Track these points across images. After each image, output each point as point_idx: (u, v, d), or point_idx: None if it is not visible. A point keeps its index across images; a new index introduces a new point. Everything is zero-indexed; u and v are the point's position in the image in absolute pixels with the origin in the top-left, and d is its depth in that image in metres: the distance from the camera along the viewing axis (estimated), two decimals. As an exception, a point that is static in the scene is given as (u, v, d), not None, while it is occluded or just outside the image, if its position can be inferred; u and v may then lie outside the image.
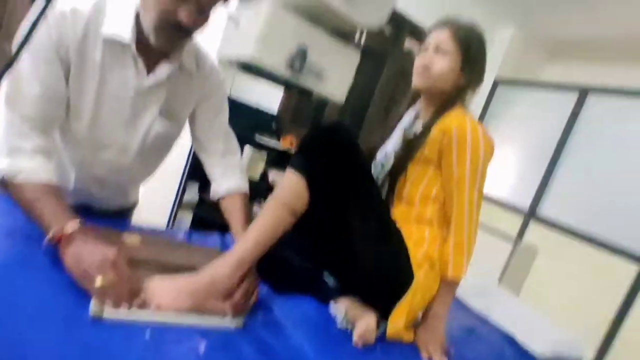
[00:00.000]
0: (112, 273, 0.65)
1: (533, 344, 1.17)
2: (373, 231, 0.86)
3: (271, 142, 2.62)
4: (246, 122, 2.59)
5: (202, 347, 0.66)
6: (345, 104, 2.98)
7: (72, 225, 0.69)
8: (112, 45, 0.83)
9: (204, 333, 0.69)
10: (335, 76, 0.63)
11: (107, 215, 1.07)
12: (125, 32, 0.82)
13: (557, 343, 1.21)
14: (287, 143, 2.71)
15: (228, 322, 0.74)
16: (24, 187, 0.73)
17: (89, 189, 0.99)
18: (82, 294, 0.64)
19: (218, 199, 1.07)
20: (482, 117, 3.47)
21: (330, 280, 1.00)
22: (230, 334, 0.72)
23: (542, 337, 1.20)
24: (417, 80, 1.04)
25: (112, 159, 0.94)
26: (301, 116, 3.04)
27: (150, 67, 0.88)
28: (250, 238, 0.78)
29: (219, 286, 0.75)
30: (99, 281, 0.63)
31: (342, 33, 0.69)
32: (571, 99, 2.99)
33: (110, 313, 0.63)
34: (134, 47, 0.83)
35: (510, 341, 1.20)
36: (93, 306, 0.62)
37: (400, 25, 3.05)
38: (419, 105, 1.12)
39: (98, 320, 0.61)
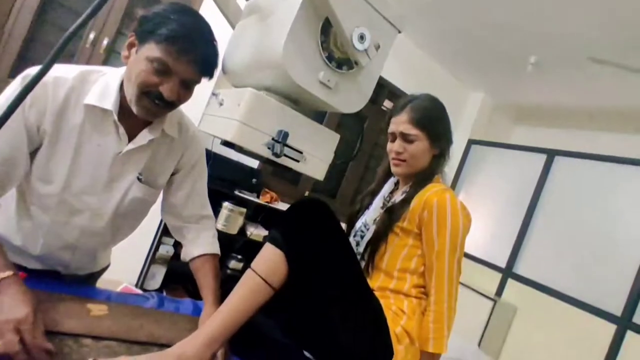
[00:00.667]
0: (11, 337, 0.61)
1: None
2: (352, 307, 0.84)
3: (251, 197, 2.61)
4: (226, 176, 2.59)
5: None
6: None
7: None
8: (93, 111, 0.84)
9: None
10: (315, 156, 0.65)
11: (76, 280, 1.02)
12: (108, 100, 0.83)
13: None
14: (266, 198, 2.70)
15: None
16: None
17: (58, 255, 0.95)
18: None
19: (189, 260, 1.04)
20: (457, 176, 3.59)
21: (308, 354, 0.97)
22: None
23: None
24: (396, 170, 1.09)
25: (85, 224, 0.91)
26: (281, 172, 3.08)
27: (132, 134, 0.88)
28: (222, 314, 0.76)
29: (188, 366, 0.71)
30: None
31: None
32: (540, 160, 3.16)
33: None
34: (115, 114, 0.84)
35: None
36: None
37: (380, 89, 3.23)
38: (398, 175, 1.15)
39: None
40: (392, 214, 1.03)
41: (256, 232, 2.60)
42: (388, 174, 1.17)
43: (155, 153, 0.94)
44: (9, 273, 0.68)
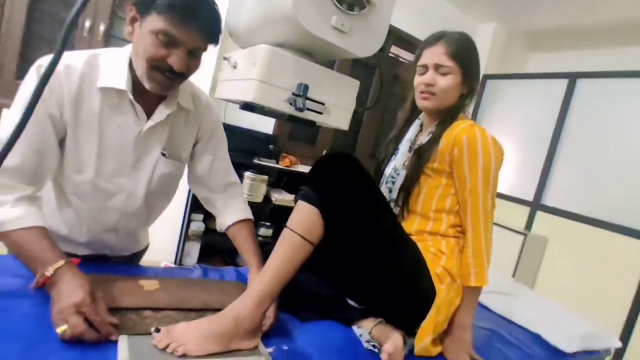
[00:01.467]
0: (76, 320, 0.64)
1: (561, 342, 1.16)
2: (391, 252, 0.85)
3: (270, 163, 2.63)
4: (243, 147, 2.60)
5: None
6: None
7: (52, 267, 0.70)
8: (109, 94, 0.84)
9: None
10: (337, 106, 0.64)
11: (122, 262, 1.07)
12: (120, 80, 0.83)
13: (584, 337, 1.20)
14: (285, 162, 2.71)
15: (257, 359, 0.73)
16: (10, 237, 0.74)
17: (103, 239, 0.99)
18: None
19: (225, 230, 1.07)
20: (474, 115, 3.50)
21: (352, 302, 1.00)
22: (260, 371, 0.72)
23: (568, 333, 1.19)
24: (424, 104, 1.05)
25: (121, 206, 0.94)
26: (298, 134, 3.07)
27: (149, 111, 0.88)
28: (268, 273, 0.78)
29: (243, 326, 0.75)
30: (60, 329, 0.63)
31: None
32: (561, 86, 3.02)
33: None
34: (130, 93, 0.84)
35: (538, 340, 1.19)
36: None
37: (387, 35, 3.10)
38: (422, 116, 1.13)
39: None
40: (421, 156, 1.01)
41: (280, 197, 2.63)
42: (410, 117, 1.15)
43: (174, 127, 0.94)
44: (62, 262, 0.71)
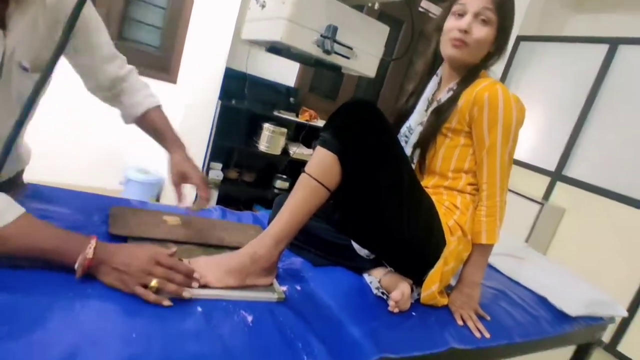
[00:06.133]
0: (160, 269, 0.66)
1: (566, 305, 1.18)
2: (404, 200, 0.86)
3: (290, 117, 2.62)
4: (264, 98, 2.59)
5: (250, 317, 0.70)
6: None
7: (90, 249, 0.63)
8: None
9: (250, 305, 0.74)
10: (365, 52, 0.62)
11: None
12: None
13: (590, 303, 1.21)
14: (305, 117, 2.70)
15: (271, 295, 0.78)
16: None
17: None
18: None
19: (135, 120, 0.99)
20: (503, 77, 3.36)
21: (363, 251, 1.03)
22: (274, 305, 0.76)
23: (575, 298, 1.21)
24: (453, 52, 0.97)
25: None
26: (319, 88, 3.02)
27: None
28: (285, 216, 0.81)
29: (260, 264, 0.79)
30: (152, 283, 0.64)
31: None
32: (600, 52, 2.85)
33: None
34: None
35: (543, 303, 1.22)
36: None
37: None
38: (441, 71, 1.08)
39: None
40: (439, 115, 0.99)
41: (299, 151, 2.65)
42: (431, 69, 1.09)
43: (30, 35, 0.76)
44: (93, 240, 0.65)
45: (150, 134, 1.01)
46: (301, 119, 2.68)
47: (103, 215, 0.89)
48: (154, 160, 2.48)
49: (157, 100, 1.01)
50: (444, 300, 0.97)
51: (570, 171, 2.96)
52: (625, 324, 2.54)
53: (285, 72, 2.76)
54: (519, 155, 3.19)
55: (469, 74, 1.00)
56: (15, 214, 0.60)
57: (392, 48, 3.10)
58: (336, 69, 0.64)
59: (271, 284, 0.81)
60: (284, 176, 2.78)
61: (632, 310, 2.51)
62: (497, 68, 1.07)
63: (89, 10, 0.86)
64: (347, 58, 0.61)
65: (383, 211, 0.86)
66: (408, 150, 1.04)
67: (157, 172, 2.48)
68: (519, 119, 0.94)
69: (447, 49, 0.99)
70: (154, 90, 1.03)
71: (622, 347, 2.55)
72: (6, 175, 0.88)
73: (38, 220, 0.64)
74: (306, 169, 0.83)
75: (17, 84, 0.77)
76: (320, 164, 0.82)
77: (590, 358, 1.37)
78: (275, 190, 2.73)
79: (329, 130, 0.82)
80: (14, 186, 0.92)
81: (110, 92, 0.96)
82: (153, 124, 0.99)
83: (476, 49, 0.97)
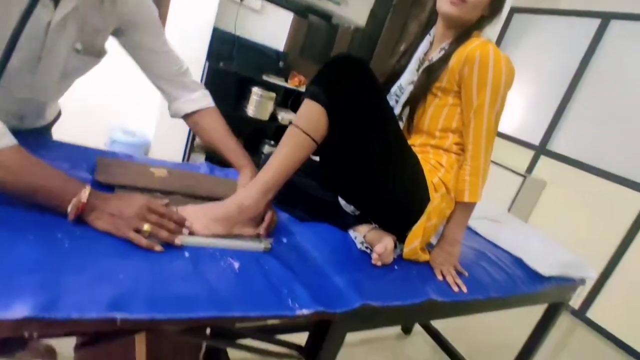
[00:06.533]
0: (155, 217, 0.68)
1: (540, 266, 1.24)
2: (390, 157, 0.88)
3: (279, 81, 2.58)
4: (252, 61, 2.53)
5: (236, 264, 0.72)
6: (355, 33, 2.83)
7: (85, 193, 0.64)
8: None
9: (237, 254, 0.75)
10: (356, -2, 0.61)
11: (33, 133, 0.97)
12: None
13: (563, 264, 1.27)
14: (295, 82, 2.66)
15: (257, 245, 0.79)
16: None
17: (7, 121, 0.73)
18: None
19: (186, 116, 1.00)
20: (495, 50, 3.35)
21: (349, 208, 1.05)
22: (260, 255, 0.78)
23: (549, 260, 1.26)
24: (450, 9, 0.96)
25: (27, 98, 0.86)
26: (309, 52, 2.95)
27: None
28: (272, 168, 0.81)
29: (247, 213, 0.80)
30: (145, 227, 0.65)
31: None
32: (591, 26, 2.85)
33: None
34: None
35: (519, 263, 1.27)
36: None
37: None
38: (434, 31, 1.08)
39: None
40: (430, 74, 0.99)
41: (287, 116, 2.63)
42: (425, 29, 1.09)
43: (85, 19, 0.81)
44: (88, 186, 0.65)
45: (203, 135, 1.01)
46: (290, 85, 2.64)
47: (89, 165, 0.88)
48: (139, 121, 2.43)
49: (212, 102, 1.02)
50: (425, 257, 1.01)
51: (554, 146, 3.02)
52: (595, 291, 2.68)
53: (275, 35, 2.69)
54: (504, 128, 3.23)
55: (462, 33, 1.00)
56: (8, 143, 0.59)
57: (387, 6, 3.01)
58: (327, 17, 0.63)
59: (258, 234, 0.82)
60: (272, 142, 2.77)
61: (602, 279, 2.64)
62: (491, 35, 1.06)
63: (151, 9, 0.91)
64: (337, 4, 0.60)
65: (369, 167, 0.87)
66: (397, 109, 1.05)
67: (142, 133, 2.44)
68: (508, 80, 0.95)
69: (444, 6, 0.98)
70: None
71: (590, 314, 2.69)
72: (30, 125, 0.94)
73: (32, 156, 0.62)
74: (294, 121, 0.83)
75: (64, 59, 0.82)
76: (309, 116, 0.82)
77: (559, 319, 1.45)
78: (263, 156, 2.72)
79: (318, 83, 0.82)
80: (40, 137, 0.98)
81: (171, 84, 0.98)
82: (211, 125, 0.98)
83: (473, 9, 0.97)
